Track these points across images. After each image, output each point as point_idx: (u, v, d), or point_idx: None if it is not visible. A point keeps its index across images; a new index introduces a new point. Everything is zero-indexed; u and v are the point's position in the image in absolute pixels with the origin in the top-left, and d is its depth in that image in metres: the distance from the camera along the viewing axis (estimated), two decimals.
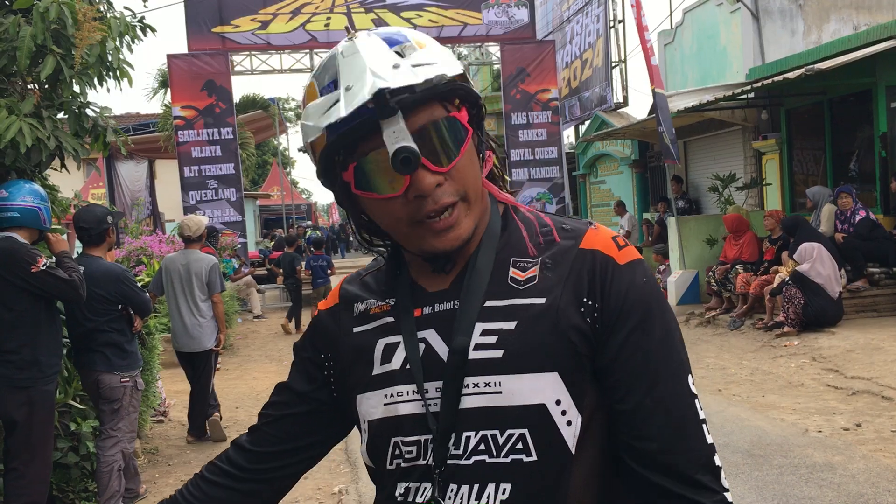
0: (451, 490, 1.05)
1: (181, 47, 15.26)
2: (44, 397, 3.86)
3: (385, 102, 0.98)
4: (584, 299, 1.06)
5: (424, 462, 1.07)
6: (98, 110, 4.51)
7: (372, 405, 1.12)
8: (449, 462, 1.05)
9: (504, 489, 1.03)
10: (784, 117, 11.70)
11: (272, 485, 1.25)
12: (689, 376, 1.07)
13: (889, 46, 8.57)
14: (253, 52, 15.35)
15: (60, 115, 4.38)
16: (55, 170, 4.54)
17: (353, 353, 1.16)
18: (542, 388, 1.03)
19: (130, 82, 4.57)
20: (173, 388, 7.58)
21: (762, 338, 8.70)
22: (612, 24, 15.92)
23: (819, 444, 5.04)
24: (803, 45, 11.49)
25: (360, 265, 2.58)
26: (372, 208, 1.09)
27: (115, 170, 16.00)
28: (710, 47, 13.21)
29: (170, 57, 14.68)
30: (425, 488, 1.06)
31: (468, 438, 1.04)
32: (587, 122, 17.58)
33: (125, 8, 4.79)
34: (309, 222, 33.37)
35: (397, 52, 1.03)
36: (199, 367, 6.16)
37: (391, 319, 1.14)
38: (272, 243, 19.16)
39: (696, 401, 1.06)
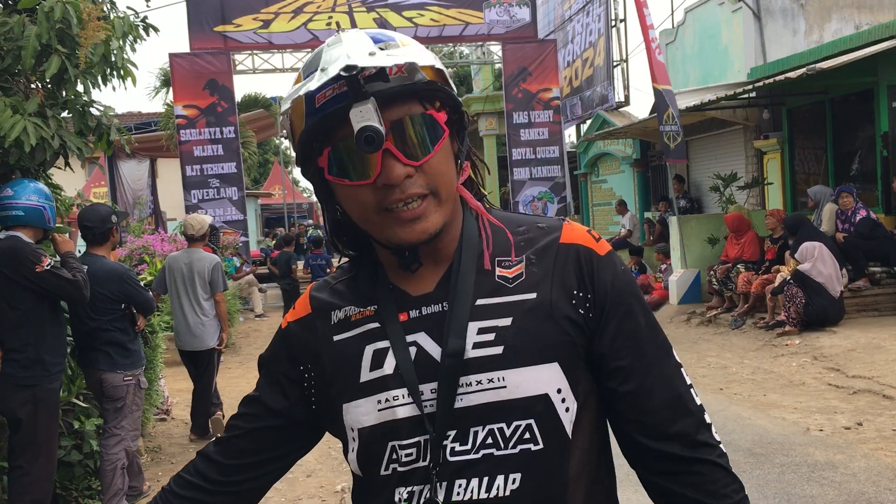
0: (460, 486, 1.06)
1: (183, 46, 15.30)
2: (48, 396, 3.87)
3: (358, 87, 1.00)
4: (575, 291, 1.11)
5: (424, 463, 1.08)
6: (102, 109, 4.52)
7: (362, 412, 1.11)
8: (456, 459, 1.06)
9: (514, 479, 1.06)
10: (785, 117, 11.69)
11: (243, 497, 1.24)
12: (672, 349, 1.17)
13: (891, 46, 8.56)
14: (255, 52, 15.35)
15: (64, 114, 4.39)
16: (59, 168, 4.56)
17: (336, 361, 1.15)
18: (545, 379, 1.07)
19: (134, 81, 4.58)
20: (176, 387, 7.60)
21: (763, 337, 8.71)
22: (613, 23, 15.91)
23: (820, 443, 5.05)
24: (805, 45, 11.50)
25: None
26: (344, 196, 1.11)
27: (118, 169, 16.04)
28: (712, 46, 13.20)
29: (172, 56, 14.69)
30: (428, 490, 1.08)
31: (475, 433, 1.07)
32: (588, 122, 17.57)
33: (128, 7, 4.80)
34: (310, 221, 33.35)
35: (381, 48, 1.06)
36: (201, 365, 6.17)
37: (376, 325, 1.14)
38: (273, 242, 19.17)
39: (682, 369, 1.16)
